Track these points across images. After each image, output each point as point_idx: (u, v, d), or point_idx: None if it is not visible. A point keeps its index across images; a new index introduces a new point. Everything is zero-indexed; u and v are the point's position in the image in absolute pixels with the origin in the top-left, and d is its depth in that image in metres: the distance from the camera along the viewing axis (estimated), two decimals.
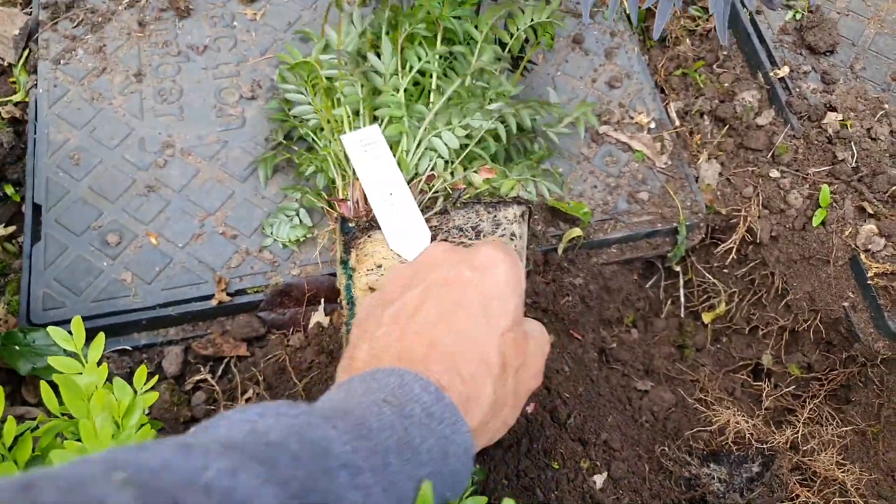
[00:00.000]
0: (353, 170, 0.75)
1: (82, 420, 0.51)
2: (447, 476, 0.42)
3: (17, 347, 0.79)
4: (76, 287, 0.85)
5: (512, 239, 0.73)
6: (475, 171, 0.77)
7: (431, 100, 0.79)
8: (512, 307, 0.49)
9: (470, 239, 0.73)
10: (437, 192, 0.76)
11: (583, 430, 0.84)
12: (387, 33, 0.81)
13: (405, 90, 0.78)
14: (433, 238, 0.72)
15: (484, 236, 0.73)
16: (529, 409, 0.83)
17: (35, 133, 0.93)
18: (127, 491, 0.25)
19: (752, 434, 0.80)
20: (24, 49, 0.99)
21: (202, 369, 0.84)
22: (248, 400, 0.81)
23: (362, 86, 0.79)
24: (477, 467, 0.79)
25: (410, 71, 0.78)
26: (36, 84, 0.96)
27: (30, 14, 1.02)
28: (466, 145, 0.79)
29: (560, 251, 0.90)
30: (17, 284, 0.90)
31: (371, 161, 0.74)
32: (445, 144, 0.77)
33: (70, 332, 0.59)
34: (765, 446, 0.80)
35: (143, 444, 0.30)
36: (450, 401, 0.43)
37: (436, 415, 0.42)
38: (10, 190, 0.95)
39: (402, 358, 0.45)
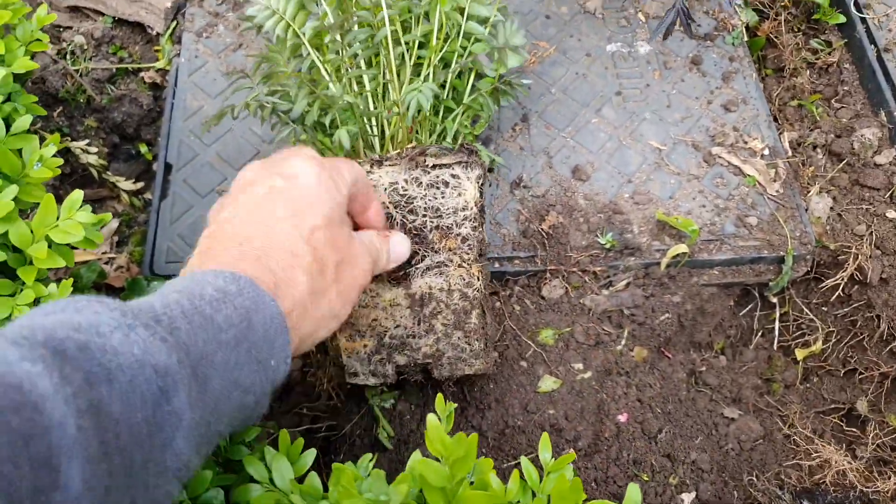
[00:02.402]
0: None
1: None
2: (261, 343, 0.44)
3: (141, 294, 0.84)
4: (195, 244, 0.90)
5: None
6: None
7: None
8: (325, 208, 0.52)
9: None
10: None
11: (672, 447, 0.83)
12: None
13: None
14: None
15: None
16: (622, 418, 0.83)
17: (173, 98, 1.00)
18: None
19: (856, 477, 0.78)
20: (172, 21, 1.07)
21: None
22: None
23: None
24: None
25: None
26: (179, 53, 1.03)
27: None
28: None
29: (663, 266, 0.90)
30: (140, 236, 0.95)
31: None
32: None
33: None
34: (869, 490, 0.77)
35: None
36: (247, 279, 0.44)
37: (230, 291, 0.43)
38: (143, 148, 1.01)
39: (210, 266, 0.46)
